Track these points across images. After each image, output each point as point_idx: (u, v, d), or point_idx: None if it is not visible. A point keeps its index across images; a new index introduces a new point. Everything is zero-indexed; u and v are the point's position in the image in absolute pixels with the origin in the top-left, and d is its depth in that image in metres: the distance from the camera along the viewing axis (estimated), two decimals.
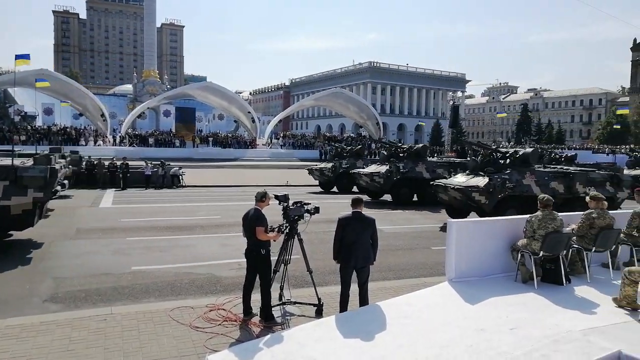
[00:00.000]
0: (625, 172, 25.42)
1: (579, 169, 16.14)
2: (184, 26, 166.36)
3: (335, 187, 24.17)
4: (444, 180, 15.01)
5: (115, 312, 6.26)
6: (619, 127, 65.66)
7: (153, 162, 25.64)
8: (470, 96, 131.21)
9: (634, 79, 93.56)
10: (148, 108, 54.58)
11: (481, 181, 13.34)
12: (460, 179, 14.34)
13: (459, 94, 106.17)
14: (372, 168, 20.51)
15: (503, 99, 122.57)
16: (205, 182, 26.22)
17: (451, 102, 56.58)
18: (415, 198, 19.44)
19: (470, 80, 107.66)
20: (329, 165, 24.36)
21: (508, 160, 14.37)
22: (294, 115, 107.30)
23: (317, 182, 25.34)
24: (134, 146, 44.65)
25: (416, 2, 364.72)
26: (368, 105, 62.54)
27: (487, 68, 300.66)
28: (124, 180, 23.69)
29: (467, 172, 14.79)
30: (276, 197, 6.35)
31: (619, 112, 59.06)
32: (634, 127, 74.98)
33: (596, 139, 78.90)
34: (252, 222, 5.91)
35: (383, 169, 19.36)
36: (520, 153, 14.46)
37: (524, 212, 12.37)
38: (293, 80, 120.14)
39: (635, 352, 4.44)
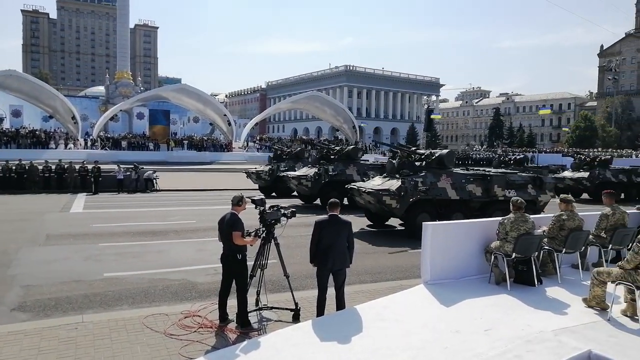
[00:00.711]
0: (569, 174, 25.76)
1: (502, 171, 15.58)
2: (158, 27, 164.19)
3: (274, 191, 22.37)
4: (358, 184, 14.48)
5: (86, 320, 6.10)
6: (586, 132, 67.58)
7: (126, 166, 25.16)
8: (444, 100, 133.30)
9: (601, 84, 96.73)
10: (121, 110, 53.53)
11: (394, 184, 12.76)
12: (375, 182, 13.79)
13: (434, 98, 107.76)
14: (302, 171, 19.60)
15: (476, 103, 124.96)
16: (179, 186, 25.87)
17: (426, 106, 57.45)
18: (345, 202, 16.29)
19: (444, 85, 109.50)
20: (267, 168, 22.80)
21: (424, 163, 13.68)
22: (270, 118, 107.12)
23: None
24: (106, 149, 43.75)
25: (391, 7, 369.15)
26: (344, 109, 62.82)
27: (461, 72, 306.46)
28: (96, 184, 23.17)
29: (384, 174, 14.27)
30: (253, 201, 6.31)
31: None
32: (601, 130, 77.38)
33: (565, 142, 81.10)
34: (229, 226, 5.85)
35: (312, 171, 18.56)
36: (436, 155, 13.82)
37: (439, 217, 12.50)
38: (269, 83, 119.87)
39: (604, 352, 4.57)
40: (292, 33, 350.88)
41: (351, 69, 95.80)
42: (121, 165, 25.17)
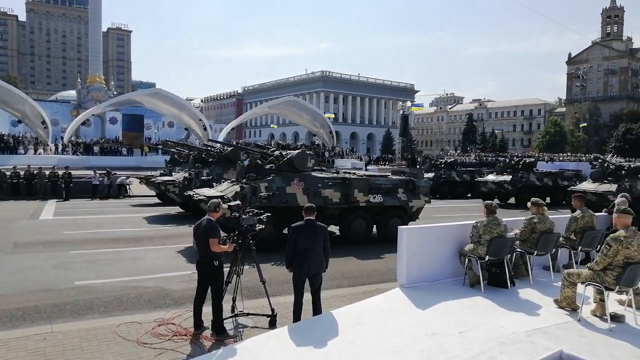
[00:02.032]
0: (492, 177, 24.69)
1: (366, 174, 14.11)
2: (131, 31, 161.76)
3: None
4: (198, 190, 13.10)
5: (55, 330, 5.92)
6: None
7: (100, 172, 24.63)
8: (419, 106, 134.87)
9: (570, 91, 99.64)
10: (93, 115, 52.39)
11: (234, 191, 11.31)
12: (220, 188, 12.43)
13: (409, 103, 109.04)
14: (178, 175, 17.94)
15: (450, 109, 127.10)
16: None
17: (401, 112, 58.04)
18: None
19: (418, 91, 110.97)
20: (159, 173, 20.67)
21: (275, 165, 12.26)
22: (247, 123, 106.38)
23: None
24: (77, 155, 42.74)
25: (365, 13, 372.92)
26: (321, 114, 62.97)
27: (435, 79, 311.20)
28: (67, 190, 22.60)
29: (233, 180, 12.75)
30: (229, 207, 6.25)
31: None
32: (570, 136, 79.61)
33: (536, 147, 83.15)
34: (206, 233, 5.76)
35: (182, 176, 17.16)
36: (287, 156, 12.32)
37: (289, 225, 10.54)
38: (246, 88, 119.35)
39: (575, 351, 4.68)
40: (268, 37, 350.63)
41: (327, 74, 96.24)
42: (96, 171, 24.60)
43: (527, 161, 25.78)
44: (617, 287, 5.47)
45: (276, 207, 10.99)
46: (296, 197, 11.50)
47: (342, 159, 51.15)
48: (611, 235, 5.64)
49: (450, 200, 25.80)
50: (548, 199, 22.72)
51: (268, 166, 12.31)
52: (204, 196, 11.43)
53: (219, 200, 6.21)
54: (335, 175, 12.86)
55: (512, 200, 24.12)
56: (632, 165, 19.97)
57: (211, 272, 5.85)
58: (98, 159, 40.08)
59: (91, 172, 24.70)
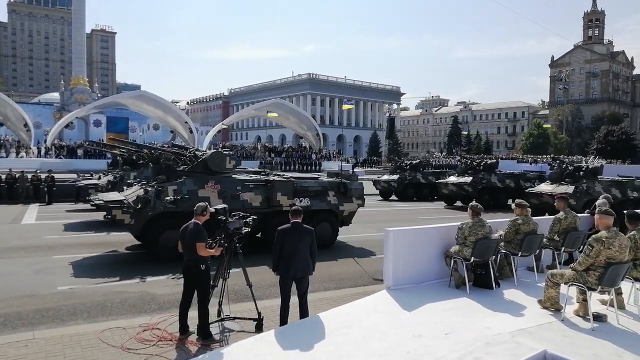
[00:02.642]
0: (453, 179, 23.83)
1: (294, 175, 13.45)
2: (115, 33, 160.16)
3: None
4: (101, 194, 12.30)
5: (38, 336, 5.82)
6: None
7: (83, 175, 24.24)
8: (405, 108, 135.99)
9: (553, 94, 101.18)
10: (77, 118, 51.64)
11: (137, 194, 10.37)
12: (125, 192, 11.33)
13: (395, 106, 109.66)
14: (103, 179, 17.31)
15: (435, 111, 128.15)
16: None
17: (387, 114, 58.31)
18: None
19: (404, 93, 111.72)
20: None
21: (189, 167, 11.34)
22: (233, 125, 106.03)
23: None
24: (60, 158, 42.12)
25: (352, 16, 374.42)
26: (308, 116, 62.98)
27: (421, 81, 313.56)
28: (50, 194, 22.22)
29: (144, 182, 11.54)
30: (215, 210, 6.21)
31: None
32: (553, 138, 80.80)
33: (520, 149, 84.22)
34: (193, 237, 5.72)
35: (105, 179, 16.49)
36: (202, 157, 11.35)
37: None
38: (232, 90, 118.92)
39: (559, 351, 4.73)
40: (255, 40, 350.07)
41: (314, 77, 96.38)
42: (80, 174, 24.21)
43: (488, 162, 25.14)
44: (599, 287, 5.55)
45: (183, 213, 9.36)
46: (210, 201, 10.01)
47: (329, 161, 51.23)
48: (593, 236, 5.72)
49: (414, 203, 25.28)
50: (510, 201, 21.28)
51: (181, 168, 11.34)
52: (103, 201, 10.54)
53: (206, 203, 6.16)
54: (257, 177, 11.90)
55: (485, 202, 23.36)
56: (590, 166, 19.38)
57: (198, 276, 5.81)
58: (82, 162, 39.53)
59: (74, 176, 24.35)
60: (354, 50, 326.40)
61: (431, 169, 33.77)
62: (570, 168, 19.25)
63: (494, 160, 26.93)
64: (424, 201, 26.15)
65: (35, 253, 11.07)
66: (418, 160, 31.01)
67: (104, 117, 55.47)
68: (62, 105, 62.31)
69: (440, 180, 25.14)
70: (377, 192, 27.92)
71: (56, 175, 23.57)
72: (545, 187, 18.96)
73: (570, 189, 17.67)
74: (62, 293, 7.96)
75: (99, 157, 44.80)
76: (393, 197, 27.27)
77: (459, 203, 24.20)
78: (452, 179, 24.33)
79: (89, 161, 41.47)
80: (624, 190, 18.17)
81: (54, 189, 22.52)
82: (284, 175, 13.40)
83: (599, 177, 18.75)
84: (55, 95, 77.17)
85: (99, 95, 68.92)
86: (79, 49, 67.08)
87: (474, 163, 24.97)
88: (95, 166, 35.93)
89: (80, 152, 44.51)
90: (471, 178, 22.94)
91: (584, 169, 18.93)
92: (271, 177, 11.98)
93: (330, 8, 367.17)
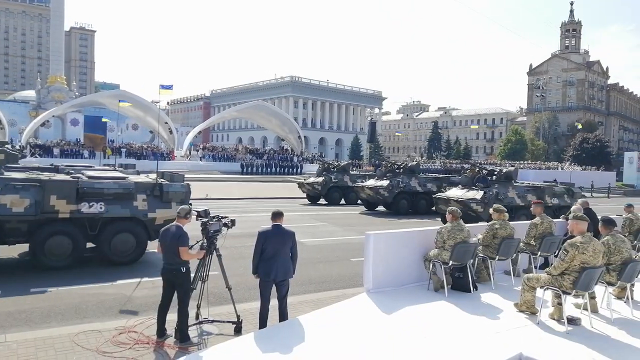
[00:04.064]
0: (371, 182, 21.68)
1: (97, 175, 10.23)
2: (95, 31, 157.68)
3: None
4: None
5: (10, 339, 5.66)
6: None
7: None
8: (387, 113, 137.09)
9: (530, 101, 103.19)
10: (53, 116, 50.75)
11: None
12: None
13: (376, 110, 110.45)
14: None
15: (416, 116, 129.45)
16: None
17: (369, 118, 58.67)
18: None
19: (386, 98, 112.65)
20: None
21: None
22: (214, 127, 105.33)
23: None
24: (36, 157, 41.23)
25: (335, 20, 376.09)
26: (290, 119, 62.98)
27: (403, 86, 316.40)
28: None
29: None
30: (197, 212, 6.14)
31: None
32: (531, 144, 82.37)
33: (498, 155, 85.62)
34: (176, 241, 5.64)
35: None
36: None
37: None
38: (214, 91, 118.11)
39: (534, 354, 4.82)
40: (237, 41, 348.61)
41: (297, 79, 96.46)
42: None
43: (409, 165, 23.33)
44: (574, 291, 5.67)
45: None
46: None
47: (311, 164, 51.24)
48: (568, 241, 5.85)
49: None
50: (434, 207, 19.24)
51: None
52: None
53: (189, 206, 6.08)
54: (28, 176, 9.55)
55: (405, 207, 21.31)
56: (503, 170, 18.53)
57: (179, 278, 5.74)
58: (58, 162, 38.65)
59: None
60: (337, 54, 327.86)
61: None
62: (483, 172, 18.27)
63: (415, 163, 24.37)
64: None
65: (8, 253, 10.76)
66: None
67: (81, 116, 54.48)
68: (38, 104, 61.05)
69: (356, 184, 23.21)
70: (361, 201, 23.61)
71: None
72: (455, 192, 17.81)
73: (478, 194, 16.45)
74: (36, 295, 7.76)
75: (76, 157, 44.06)
76: (381, 207, 22.70)
77: (381, 208, 22.47)
78: (371, 182, 22.55)
79: (65, 160, 40.65)
80: (542, 197, 16.86)
81: None
82: (140, 175, 11.65)
83: (514, 182, 17.94)
84: (31, 93, 75.45)
85: (77, 93, 67.71)
86: (57, 46, 65.88)
87: (395, 166, 23.25)
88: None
89: (56, 151, 43.65)
90: (388, 182, 21.27)
91: (496, 173, 18.09)
92: (43, 177, 9.54)
93: (315, 12, 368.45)
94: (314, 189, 24.97)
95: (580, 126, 64.00)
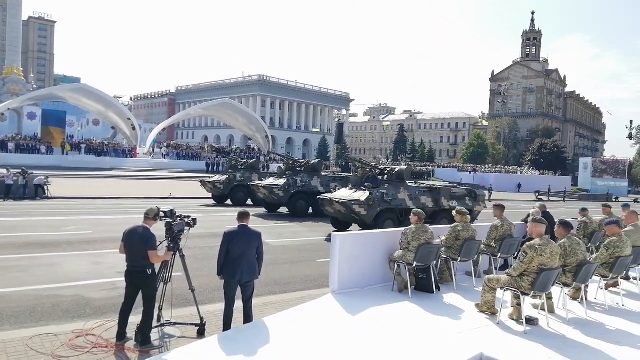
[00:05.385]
0: (269, 181, 20.23)
1: None
2: (55, 22, 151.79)
3: None
4: None
5: None
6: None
7: (14, 170, 22.80)
8: (354, 114, 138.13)
9: (492, 106, 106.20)
10: (9, 109, 48.58)
11: None
12: None
13: (344, 112, 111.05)
14: None
15: (383, 118, 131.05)
16: (75, 194, 23.95)
17: (336, 119, 58.87)
18: None
19: (354, 100, 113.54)
20: None
21: None
22: (179, 124, 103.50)
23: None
24: None
25: (305, 20, 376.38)
26: (257, 118, 62.58)
27: (369, 89, 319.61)
28: None
29: None
30: (163, 212, 5.99)
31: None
32: (492, 148, 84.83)
33: (461, 158, 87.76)
34: (144, 243, 5.47)
35: None
36: None
37: None
38: (179, 88, 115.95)
39: (494, 354, 4.95)
40: (204, 37, 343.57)
41: (265, 78, 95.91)
42: (10, 169, 22.74)
43: (310, 162, 21.55)
44: (532, 292, 5.85)
45: None
46: None
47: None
48: (527, 243, 6.03)
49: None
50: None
51: None
52: None
53: (158, 207, 5.92)
54: None
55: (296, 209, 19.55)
56: (395, 169, 16.32)
57: (145, 280, 5.58)
58: (13, 157, 37.22)
59: (3, 171, 22.83)
60: (306, 54, 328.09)
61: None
62: (375, 171, 16.50)
63: (316, 162, 21.91)
64: (323, 217, 17.29)
65: None
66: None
67: (39, 109, 52.36)
68: None
69: (253, 183, 21.51)
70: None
71: None
72: (341, 193, 15.70)
73: (364, 195, 14.50)
74: None
75: (32, 152, 42.35)
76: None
77: (284, 209, 20.69)
78: (270, 180, 20.91)
79: (21, 156, 39.13)
80: (437, 199, 15.75)
81: None
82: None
83: (408, 182, 16.11)
84: None
85: (35, 86, 65.25)
86: (14, 36, 63.30)
87: (295, 165, 21.43)
88: (30, 161, 33.95)
89: (11, 145, 41.82)
90: (285, 180, 19.58)
91: (387, 172, 16.14)
92: None
93: (285, 11, 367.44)
94: (216, 188, 23.19)
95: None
